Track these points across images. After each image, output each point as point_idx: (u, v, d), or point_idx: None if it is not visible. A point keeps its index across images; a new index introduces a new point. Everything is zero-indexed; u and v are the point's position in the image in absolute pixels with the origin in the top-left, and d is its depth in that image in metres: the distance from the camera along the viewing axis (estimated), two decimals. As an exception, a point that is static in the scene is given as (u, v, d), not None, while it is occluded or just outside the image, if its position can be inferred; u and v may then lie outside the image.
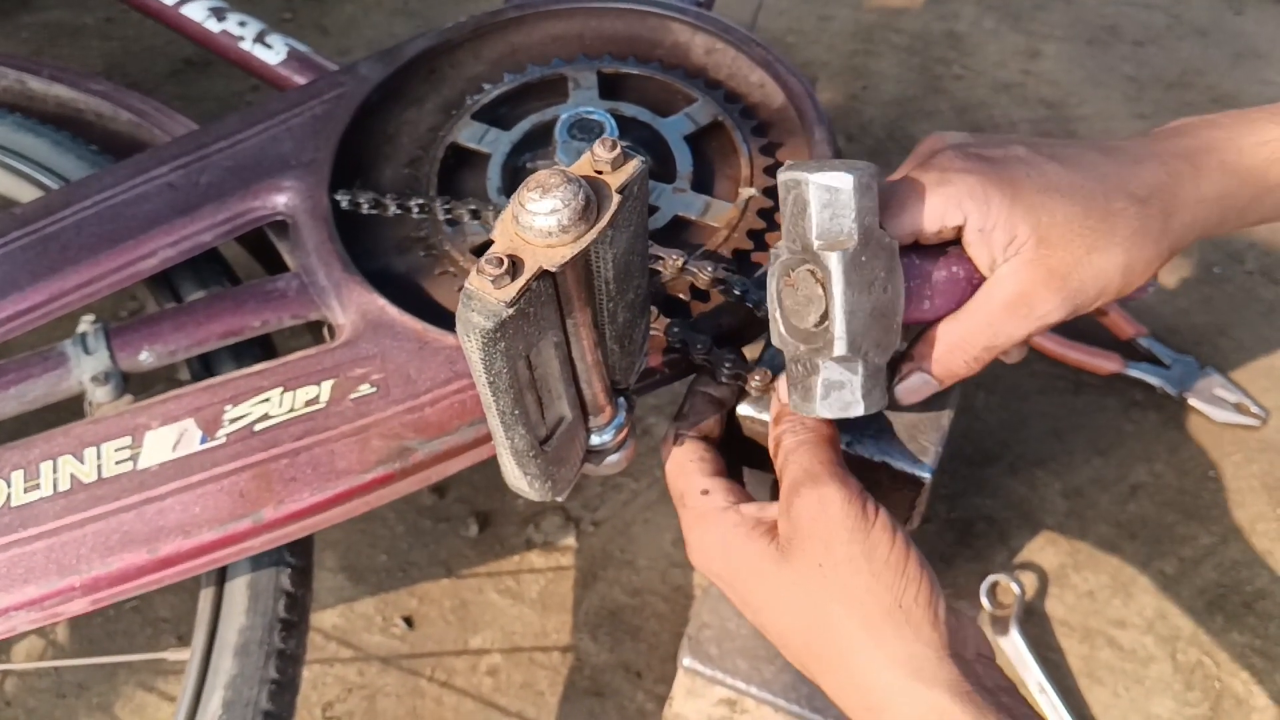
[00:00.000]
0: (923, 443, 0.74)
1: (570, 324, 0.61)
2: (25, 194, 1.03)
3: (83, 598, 0.77)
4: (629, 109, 0.98)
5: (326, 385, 0.82)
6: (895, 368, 0.70)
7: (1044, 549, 1.37)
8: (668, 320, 0.80)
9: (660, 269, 0.82)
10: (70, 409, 0.89)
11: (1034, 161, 0.65)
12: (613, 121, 0.94)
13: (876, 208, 0.63)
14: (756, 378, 0.75)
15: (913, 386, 0.69)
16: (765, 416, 0.75)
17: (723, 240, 0.89)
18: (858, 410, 0.64)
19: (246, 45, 1.18)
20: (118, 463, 0.80)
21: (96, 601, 0.78)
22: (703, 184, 0.94)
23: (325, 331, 0.90)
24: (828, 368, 0.63)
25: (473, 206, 0.88)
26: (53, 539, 0.78)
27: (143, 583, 0.78)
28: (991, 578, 1.30)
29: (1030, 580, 1.33)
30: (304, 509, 0.78)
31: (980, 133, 0.75)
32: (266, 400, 0.82)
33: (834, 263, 0.61)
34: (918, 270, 0.66)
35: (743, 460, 0.79)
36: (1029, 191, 0.64)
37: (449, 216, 0.90)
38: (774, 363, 0.76)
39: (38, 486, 0.80)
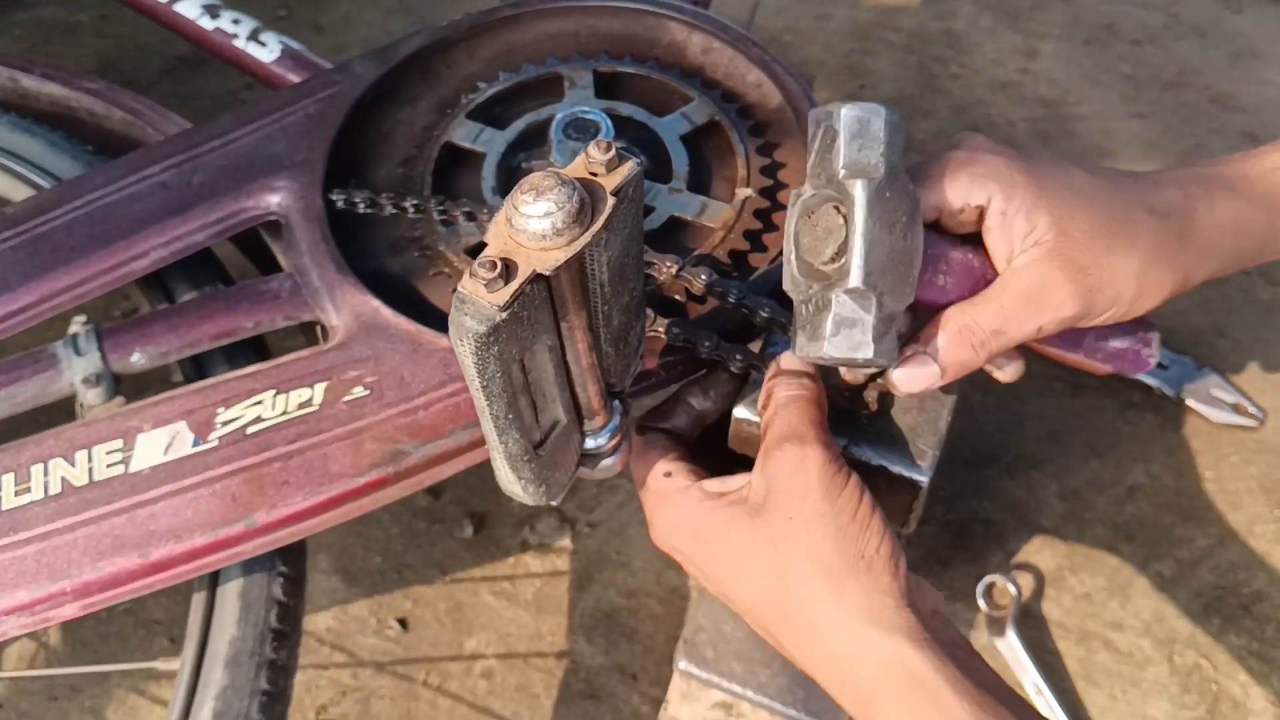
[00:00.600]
0: (920, 446, 0.74)
1: (565, 327, 0.61)
2: (19, 193, 1.02)
3: (74, 602, 0.76)
4: (625, 108, 0.97)
5: (320, 388, 0.81)
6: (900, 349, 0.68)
7: (1041, 551, 1.36)
8: (667, 320, 0.79)
9: (654, 274, 0.82)
10: (61, 411, 0.88)
11: (1059, 163, 0.66)
12: (608, 121, 0.93)
13: (903, 150, 0.63)
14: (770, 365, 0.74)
15: (913, 372, 0.67)
16: (759, 419, 0.75)
17: (719, 241, 0.88)
18: (866, 352, 0.63)
19: (240, 43, 1.17)
20: (109, 466, 0.79)
21: (88, 606, 0.77)
22: (699, 184, 0.94)
23: (319, 333, 0.89)
24: (840, 302, 0.62)
25: (468, 207, 0.88)
26: (44, 543, 0.77)
27: (134, 587, 0.77)
28: (988, 579, 1.29)
29: (1027, 582, 1.33)
30: (297, 513, 0.78)
31: None
32: (259, 403, 0.81)
33: (859, 190, 0.61)
34: (935, 245, 0.66)
35: (735, 465, 0.79)
36: (1053, 186, 0.64)
37: (444, 217, 0.89)
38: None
39: (29, 490, 0.79)
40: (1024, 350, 0.73)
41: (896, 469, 0.73)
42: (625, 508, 1.38)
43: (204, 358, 0.92)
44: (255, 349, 0.93)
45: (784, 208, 0.91)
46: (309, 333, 0.92)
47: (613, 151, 0.57)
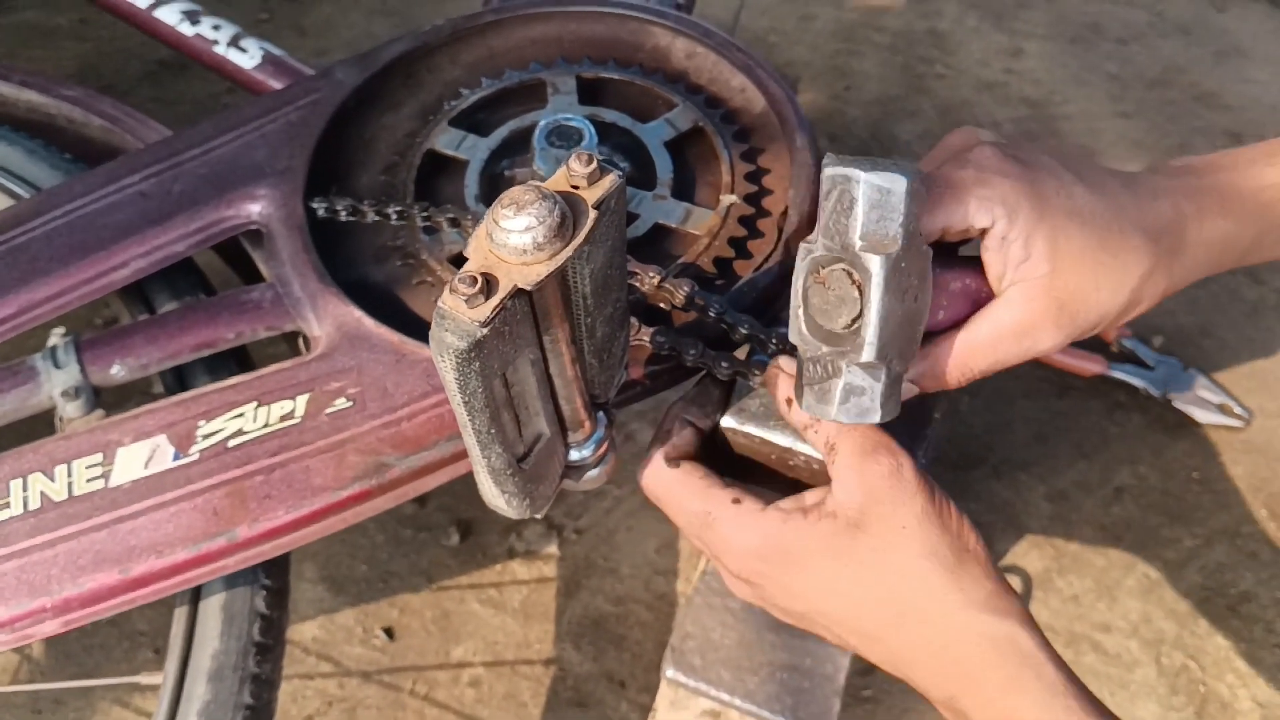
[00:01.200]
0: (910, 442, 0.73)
1: (548, 340, 0.60)
2: (-1, 202, 1.01)
3: (54, 619, 0.76)
4: (608, 114, 0.96)
5: (302, 400, 0.81)
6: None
7: (1028, 553, 1.36)
8: (652, 329, 0.79)
9: (637, 284, 0.81)
10: (40, 424, 0.87)
11: (1063, 179, 0.66)
12: (592, 128, 0.92)
13: (920, 216, 0.62)
14: (757, 372, 0.73)
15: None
16: (749, 429, 0.74)
17: (704, 249, 0.87)
18: (874, 418, 0.63)
19: (221, 49, 1.16)
20: (89, 480, 0.78)
21: (69, 623, 0.76)
22: (683, 191, 0.93)
23: (300, 343, 0.89)
24: (851, 372, 0.62)
25: (451, 215, 0.87)
26: (23, 559, 0.76)
27: (115, 603, 0.76)
28: (977, 582, 1.29)
29: (1015, 584, 1.33)
30: (279, 527, 0.77)
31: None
32: (241, 415, 0.80)
33: (876, 266, 0.60)
34: (935, 279, 0.65)
35: (720, 471, 0.78)
36: (1054, 212, 0.64)
37: (427, 224, 0.89)
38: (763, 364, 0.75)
39: (7, 505, 0.78)
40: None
41: None
42: (612, 514, 1.38)
43: (185, 369, 0.91)
44: (237, 360, 0.93)
45: (769, 214, 0.91)
46: (291, 342, 0.91)
47: (594, 164, 0.56)
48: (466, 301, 0.52)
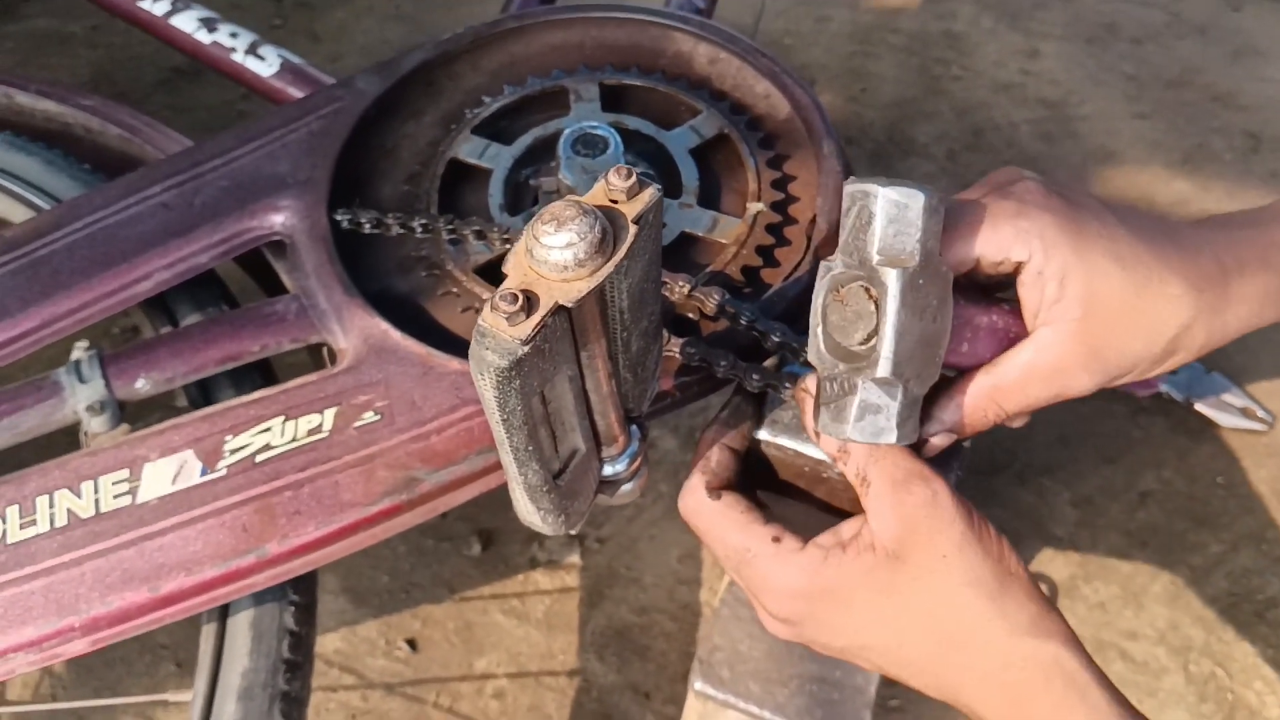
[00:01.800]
0: (942, 465, 0.72)
1: (585, 356, 0.59)
2: (16, 214, 1.01)
3: (82, 638, 0.75)
4: (632, 122, 0.95)
5: (329, 413, 0.80)
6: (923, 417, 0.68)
7: (1054, 559, 1.35)
8: (682, 340, 0.78)
9: (667, 294, 0.80)
10: (65, 439, 0.86)
11: (1106, 220, 0.64)
12: (617, 136, 0.91)
13: (940, 234, 0.62)
14: (788, 384, 0.73)
15: (937, 445, 0.69)
16: (781, 441, 0.73)
17: (731, 257, 0.87)
18: (889, 438, 0.63)
19: (238, 57, 1.16)
20: (116, 497, 0.78)
21: (96, 642, 0.75)
22: (709, 199, 0.92)
23: (326, 355, 0.88)
24: (866, 389, 0.62)
25: (477, 226, 0.86)
26: (50, 577, 0.75)
27: (144, 622, 0.76)
28: (1002, 589, 1.28)
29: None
30: (309, 543, 0.76)
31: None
32: (268, 430, 0.79)
33: (892, 280, 0.60)
34: (961, 312, 0.65)
35: (755, 485, 0.77)
36: (1094, 252, 0.63)
37: (452, 236, 0.88)
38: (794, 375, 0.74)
39: (34, 523, 0.77)
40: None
41: None
42: (634, 523, 1.37)
43: (210, 382, 0.90)
44: (261, 373, 0.92)
45: (795, 221, 0.90)
46: (316, 354, 0.90)
47: (633, 178, 0.56)
48: (507, 319, 0.51)
